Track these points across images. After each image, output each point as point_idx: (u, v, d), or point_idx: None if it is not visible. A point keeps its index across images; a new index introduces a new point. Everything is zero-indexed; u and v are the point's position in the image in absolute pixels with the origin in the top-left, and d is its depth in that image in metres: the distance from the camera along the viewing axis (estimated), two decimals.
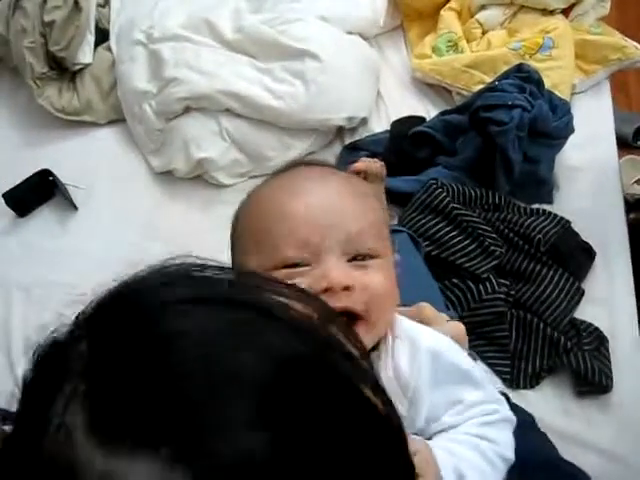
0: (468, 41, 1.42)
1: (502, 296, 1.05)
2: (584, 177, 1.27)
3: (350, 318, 0.54)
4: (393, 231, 0.96)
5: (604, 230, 1.19)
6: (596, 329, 1.08)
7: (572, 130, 1.22)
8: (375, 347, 0.57)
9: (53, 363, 0.29)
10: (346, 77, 1.31)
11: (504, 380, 1.03)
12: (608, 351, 1.06)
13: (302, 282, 0.52)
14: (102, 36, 1.53)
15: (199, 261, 0.33)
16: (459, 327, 0.64)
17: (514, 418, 0.59)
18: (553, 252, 1.11)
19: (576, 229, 1.16)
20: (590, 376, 1.01)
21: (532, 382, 1.05)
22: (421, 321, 0.61)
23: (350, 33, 1.41)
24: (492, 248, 1.09)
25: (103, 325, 0.30)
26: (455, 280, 1.07)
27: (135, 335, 0.28)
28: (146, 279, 0.32)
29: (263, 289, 0.32)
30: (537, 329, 1.05)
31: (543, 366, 1.04)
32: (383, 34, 1.53)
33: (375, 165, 1.10)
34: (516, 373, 1.05)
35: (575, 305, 1.09)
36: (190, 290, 0.30)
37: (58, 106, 1.46)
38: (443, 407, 0.56)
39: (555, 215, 1.16)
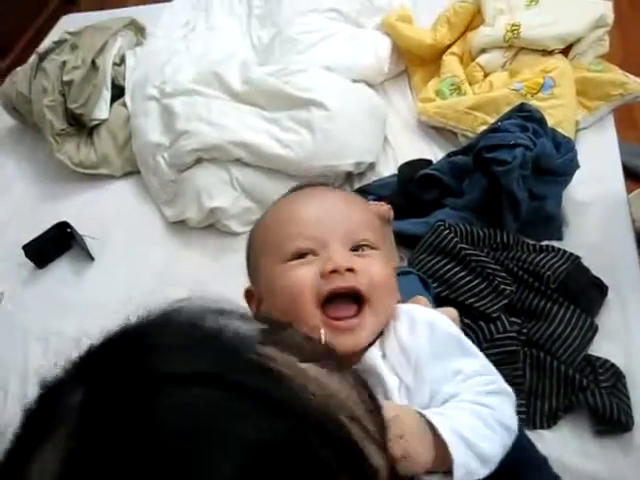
0: (470, 84, 1.45)
1: (514, 335, 1.04)
2: (593, 212, 1.27)
3: (356, 301, 0.62)
4: (402, 273, 0.97)
5: (615, 265, 1.18)
6: (612, 365, 1.06)
7: (577, 166, 1.22)
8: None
9: (38, 415, 0.30)
10: (352, 124, 1.34)
11: (520, 420, 1.00)
12: (626, 387, 1.03)
13: (312, 268, 0.62)
14: (118, 92, 1.60)
15: (213, 306, 0.33)
16: (452, 311, 0.70)
17: (512, 392, 0.64)
18: (564, 289, 1.10)
19: (586, 264, 1.15)
20: (608, 414, 0.98)
21: (549, 422, 1.02)
22: None
23: (355, 81, 1.46)
24: (502, 287, 1.09)
25: (93, 380, 0.29)
26: (466, 320, 1.06)
27: (123, 408, 0.27)
28: (152, 335, 0.31)
29: (271, 356, 0.30)
30: (551, 367, 1.04)
31: (560, 405, 1.02)
32: (388, 80, 1.58)
33: (382, 208, 1.12)
34: (532, 413, 1.02)
35: (589, 341, 1.07)
36: (190, 361, 0.29)
37: (76, 160, 1.51)
38: (444, 381, 0.61)
39: (564, 251, 1.15)
